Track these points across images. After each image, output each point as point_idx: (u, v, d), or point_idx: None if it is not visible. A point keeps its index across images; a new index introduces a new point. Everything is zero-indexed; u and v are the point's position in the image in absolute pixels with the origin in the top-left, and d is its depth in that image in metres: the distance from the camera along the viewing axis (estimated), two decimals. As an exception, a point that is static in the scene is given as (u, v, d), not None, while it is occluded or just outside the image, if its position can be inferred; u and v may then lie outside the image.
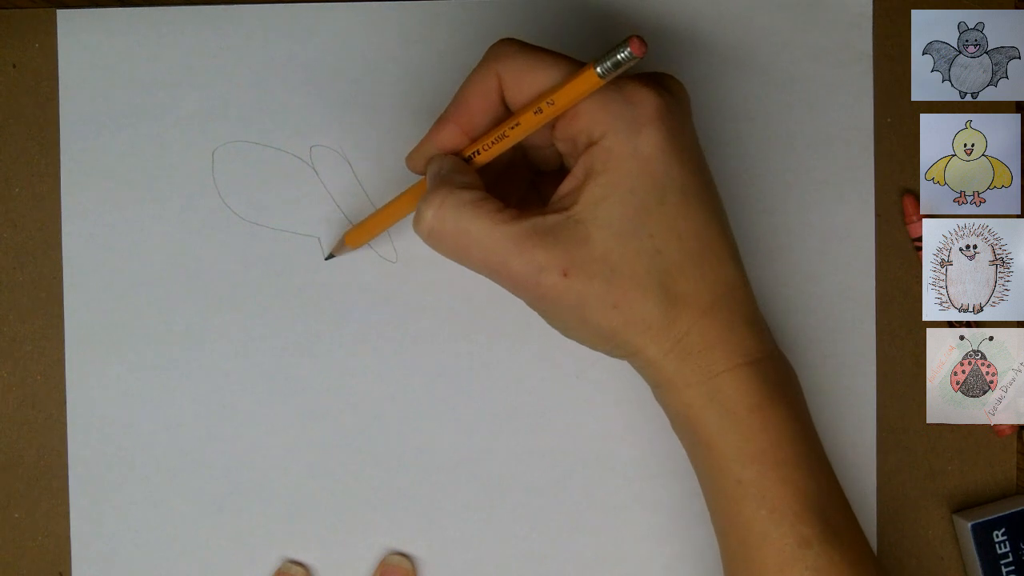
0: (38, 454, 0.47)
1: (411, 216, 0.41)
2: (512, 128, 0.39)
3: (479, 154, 0.40)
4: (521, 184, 0.43)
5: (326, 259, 0.46)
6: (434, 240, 0.38)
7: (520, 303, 0.47)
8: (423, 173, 0.41)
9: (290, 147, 0.47)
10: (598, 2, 0.47)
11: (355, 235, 0.45)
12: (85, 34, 0.46)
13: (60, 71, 0.47)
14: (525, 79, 0.38)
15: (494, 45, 0.39)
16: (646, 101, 0.37)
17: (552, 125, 0.39)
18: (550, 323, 0.40)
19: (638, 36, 0.35)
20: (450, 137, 0.40)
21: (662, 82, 0.39)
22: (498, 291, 0.46)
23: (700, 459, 0.39)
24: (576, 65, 0.38)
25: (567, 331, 0.40)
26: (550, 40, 0.46)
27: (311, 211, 0.47)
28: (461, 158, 0.40)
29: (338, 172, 0.47)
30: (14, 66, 0.47)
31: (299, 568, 0.46)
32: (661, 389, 0.39)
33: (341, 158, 0.47)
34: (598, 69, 0.36)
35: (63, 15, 0.46)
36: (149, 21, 0.46)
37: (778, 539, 0.38)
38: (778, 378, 0.39)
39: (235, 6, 0.47)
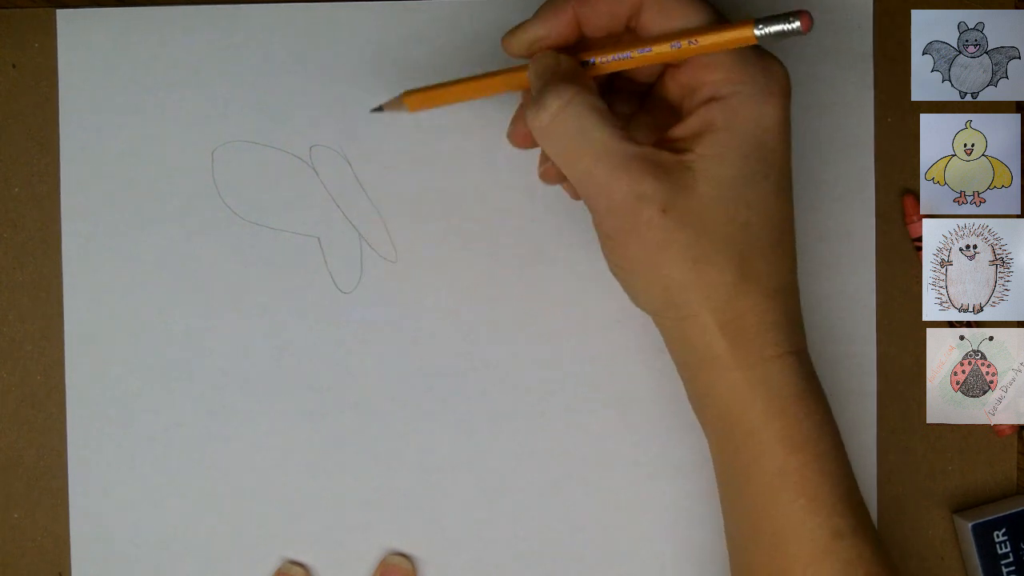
0: (38, 454, 0.47)
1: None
2: (641, 52, 0.37)
3: (592, 64, 0.38)
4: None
5: (372, 111, 0.45)
6: (548, 135, 0.37)
7: (518, 303, 0.47)
8: (519, 56, 0.40)
9: (290, 147, 0.47)
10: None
11: (419, 97, 0.42)
12: (85, 34, 0.46)
13: (60, 71, 0.47)
14: (669, 9, 0.37)
15: None
16: (780, 75, 0.37)
17: (676, 65, 0.38)
18: (613, 257, 0.39)
19: (808, 13, 0.35)
20: (563, 27, 0.38)
21: (782, 64, 0.38)
22: (499, 292, 0.47)
23: (735, 447, 0.39)
24: (718, 16, 0.37)
25: (629, 271, 0.38)
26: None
27: (311, 211, 0.47)
28: (577, 62, 0.38)
29: (338, 172, 0.47)
30: (14, 66, 0.47)
31: (299, 568, 0.46)
32: (704, 367, 0.38)
33: (341, 158, 0.47)
34: (758, 31, 0.35)
35: (63, 15, 0.46)
36: (149, 21, 0.46)
37: (813, 529, 0.37)
38: (812, 371, 0.39)
39: (235, 6, 0.47)
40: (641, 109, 0.42)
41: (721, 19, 0.37)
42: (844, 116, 0.47)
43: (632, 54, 0.38)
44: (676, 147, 0.37)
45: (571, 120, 0.37)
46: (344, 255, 0.47)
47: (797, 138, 0.47)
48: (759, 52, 0.38)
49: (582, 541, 0.46)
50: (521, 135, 0.42)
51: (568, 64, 0.38)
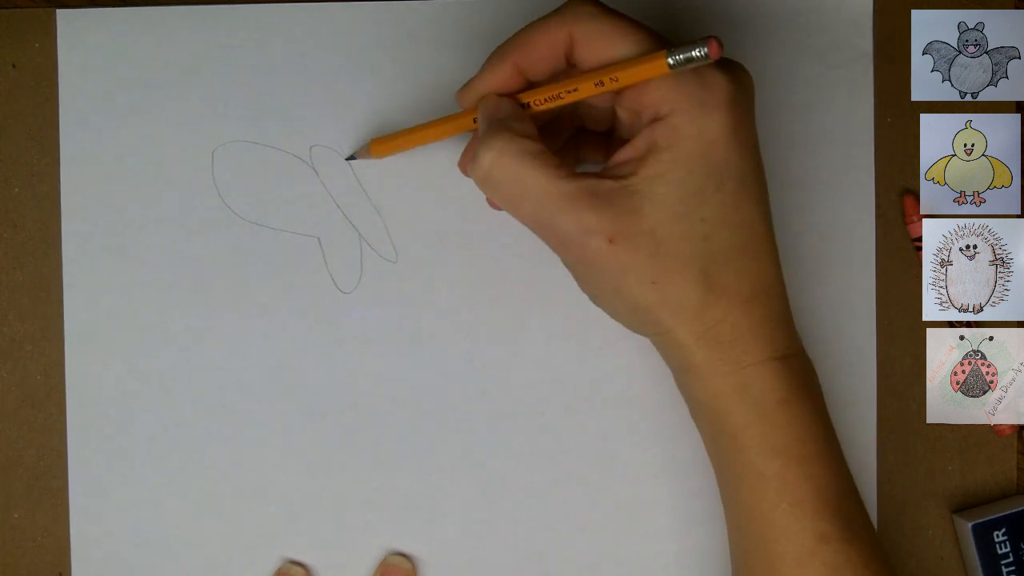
0: (38, 454, 0.47)
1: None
2: (569, 92, 0.39)
3: (528, 107, 0.40)
4: (562, 137, 0.43)
5: (346, 159, 0.46)
6: (488, 185, 0.38)
7: (518, 303, 0.47)
8: (471, 107, 0.41)
9: (290, 147, 0.47)
10: (598, 2, 0.47)
11: (383, 144, 0.44)
12: (85, 34, 0.46)
13: (60, 71, 0.47)
14: (597, 44, 0.38)
15: (573, 1, 0.39)
16: (718, 85, 0.37)
17: (617, 92, 0.39)
18: (583, 288, 0.40)
19: (717, 39, 0.35)
20: (506, 78, 0.40)
21: (733, 70, 0.38)
22: (499, 292, 0.47)
23: (722, 450, 0.39)
24: (651, 39, 0.37)
25: (599, 298, 0.40)
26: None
27: (311, 211, 0.47)
28: (517, 103, 0.40)
29: (338, 172, 0.47)
30: (14, 66, 0.47)
31: (299, 568, 0.46)
32: (687, 375, 0.39)
33: (341, 158, 0.47)
34: (670, 60, 0.36)
35: (63, 15, 0.46)
36: (149, 21, 0.46)
37: (797, 533, 0.38)
38: (803, 375, 0.39)
39: (235, 6, 0.47)
40: (591, 132, 0.43)
41: (656, 40, 0.38)
42: (844, 116, 0.47)
43: (562, 94, 0.39)
44: (621, 171, 0.38)
45: (506, 169, 0.37)
46: (344, 255, 0.47)
47: (797, 138, 0.47)
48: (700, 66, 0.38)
49: (582, 541, 0.46)
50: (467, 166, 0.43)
51: (506, 108, 0.39)
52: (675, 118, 0.37)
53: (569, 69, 0.40)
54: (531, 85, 0.40)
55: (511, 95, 0.40)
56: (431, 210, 0.47)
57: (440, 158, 0.47)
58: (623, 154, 0.38)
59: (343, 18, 0.47)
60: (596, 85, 0.38)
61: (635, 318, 0.39)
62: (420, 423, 0.47)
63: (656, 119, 0.38)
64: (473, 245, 0.47)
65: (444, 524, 0.46)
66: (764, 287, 0.39)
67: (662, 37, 0.38)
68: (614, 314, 0.40)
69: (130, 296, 0.46)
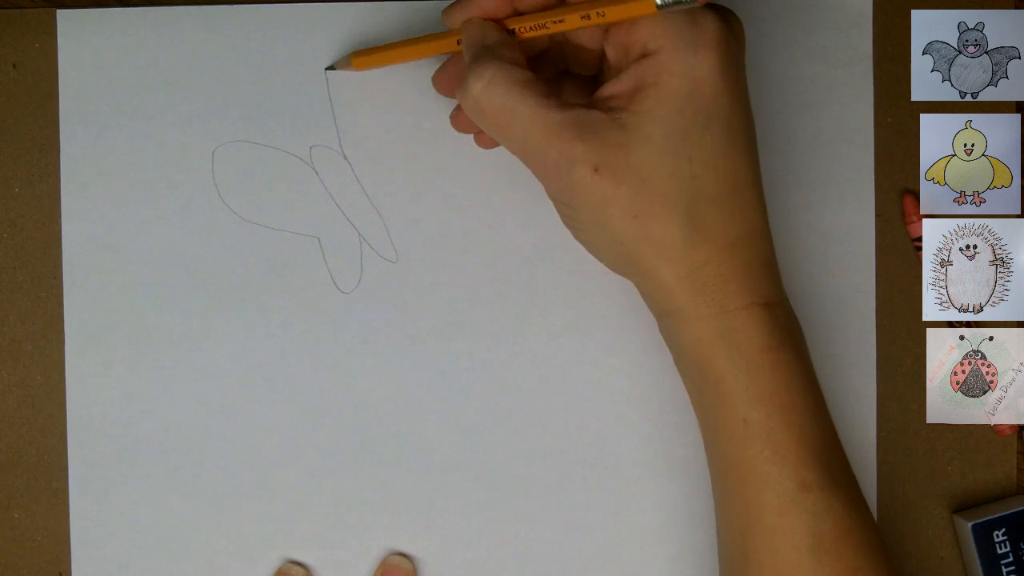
0: (38, 454, 0.47)
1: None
2: (555, 22, 0.39)
3: (514, 34, 0.40)
4: (545, 77, 0.43)
5: (326, 69, 0.46)
6: (477, 113, 0.38)
7: (518, 303, 0.47)
8: (456, 28, 0.41)
9: (290, 147, 0.47)
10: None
11: (364, 58, 0.44)
12: (85, 34, 0.46)
13: (60, 71, 0.47)
14: None
15: None
16: (709, 25, 0.37)
17: (606, 29, 0.39)
18: (566, 221, 0.40)
19: None
20: (496, 3, 0.40)
21: (724, 14, 0.38)
22: (499, 292, 0.47)
23: (705, 397, 0.39)
24: None
25: (581, 232, 0.39)
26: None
27: (311, 211, 0.47)
28: (503, 29, 0.40)
29: (338, 172, 0.47)
30: (14, 66, 0.47)
31: (299, 568, 0.46)
32: (670, 319, 0.39)
33: (341, 158, 0.47)
34: (658, 1, 0.36)
35: (63, 15, 0.46)
36: (149, 21, 0.46)
37: (779, 482, 0.38)
38: (788, 324, 0.39)
39: (235, 6, 0.47)
40: (576, 75, 0.43)
41: None
42: (844, 116, 0.47)
43: (548, 24, 0.39)
44: (610, 105, 0.38)
45: (496, 97, 0.38)
46: (344, 255, 0.47)
47: (797, 138, 0.47)
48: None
49: (582, 541, 0.46)
50: (441, 84, 0.43)
51: (493, 34, 0.39)
52: (663, 55, 0.37)
53: (559, 4, 0.40)
54: (518, 15, 0.40)
55: (498, 22, 0.40)
56: (431, 210, 0.47)
57: (440, 158, 0.47)
58: (610, 88, 0.38)
59: (343, 18, 0.47)
60: (582, 18, 0.38)
61: (616, 254, 0.39)
62: (420, 423, 0.47)
63: (644, 55, 0.38)
64: (473, 245, 0.47)
65: (444, 524, 0.46)
66: (749, 232, 0.38)
67: None
68: (595, 250, 0.40)
69: (130, 296, 0.46)
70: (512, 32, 0.40)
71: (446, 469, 0.47)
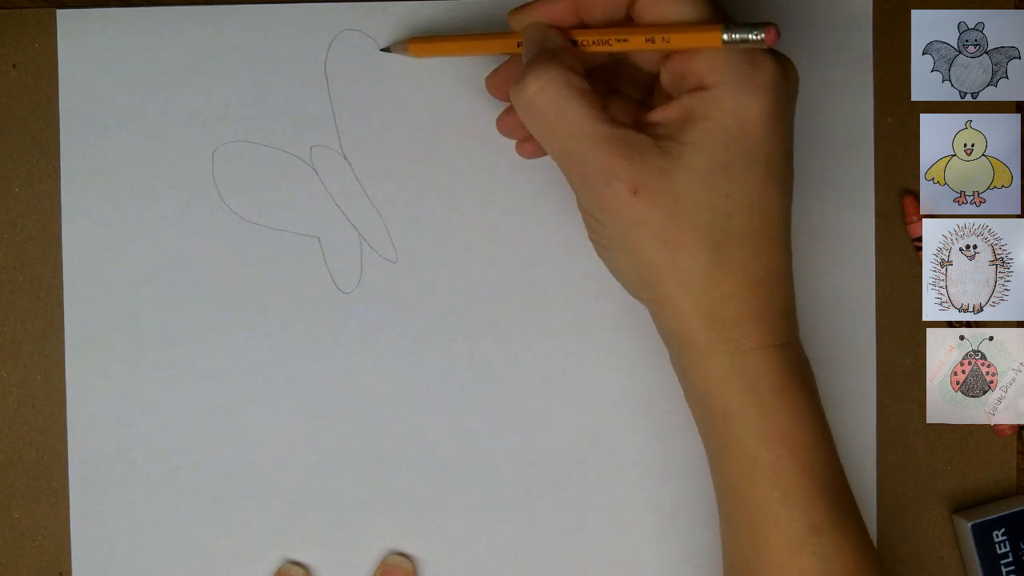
0: (38, 454, 0.47)
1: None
2: (619, 40, 0.39)
3: (577, 46, 0.40)
4: (597, 92, 0.43)
5: (381, 50, 0.46)
6: (528, 112, 0.38)
7: (518, 303, 0.47)
8: (519, 29, 0.41)
9: (290, 147, 0.47)
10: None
11: (422, 45, 0.44)
12: (85, 34, 0.46)
13: (60, 71, 0.46)
14: (660, 3, 0.38)
15: None
16: (766, 67, 0.38)
17: (665, 55, 0.39)
18: (593, 235, 0.40)
19: (775, 27, 0.36)
20: (562, 12, 0.40)
21: (782, 60, 0.39)
22: (499, 292, 0.47)
23: (715, 432, 0.39)
24: (712, 11, 0.38)
25: (608, 249, 0.39)
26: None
27: (311, 211, 0.47)
28: (568, 38, 0.40)
29: (338, 172, 0.47)
30: (14, 66, 0.47)
31: (299, 568, 0.46)
32: (684, 351, 0.39)
33: (341, 158, 0.47)
34: (725, 36, 0.36)
35: (63, 15, 0.46)
36: (149, 21, 0.46)
37: (789, 523, 0.38)
38: (800, 364, 0.39)
39: (235, 6, 0.47)
40: (645, 95, 0.43)
41: (714, 13, 0.38)
42: (844, 116, 0.47)
43: (611, 41, 0.39)
44: (657, 132, 0.38)
45: (549, 99, 0.38)
46: (344, 255, 0.47)
47: (798, 138, 0.46)
48: None
49: (582, 541, 0.46)
50: (496, 85, 0.44)
51: (556, 39, 0.40)
52: (718, 91, 0.37)
53: (625, 21, 0.40)
54: (583, 27, 0.40)
55: (562, 30, 0.40)
56: (431, 210, 0.47)
57: (440, 158, 0.47)
58: (660, 114, 0.38)
59: (343, 18, 0.47)
60: (647, 40, 0.38)
61: (639, 276, 0.39)
62: (420, 423, 0.47)
63: (699, 88, 0.38)
64: (473, 245, 0.47)
65: (444, 524, 0.46)
66: (774, 273, 0.39)
67: (723, 11, 0.38)
68: (618, 270, 0.40)
69: (130, 296, 0.46)
70: (575, 43, 0.40)
71: (446, 469, 0.47)
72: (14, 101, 0.47)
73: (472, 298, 0.47)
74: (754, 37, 0.36)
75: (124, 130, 0.47)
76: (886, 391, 0.47)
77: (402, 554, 0.46)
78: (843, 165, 0.47)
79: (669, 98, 0.39)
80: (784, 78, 0.38)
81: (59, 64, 0.46)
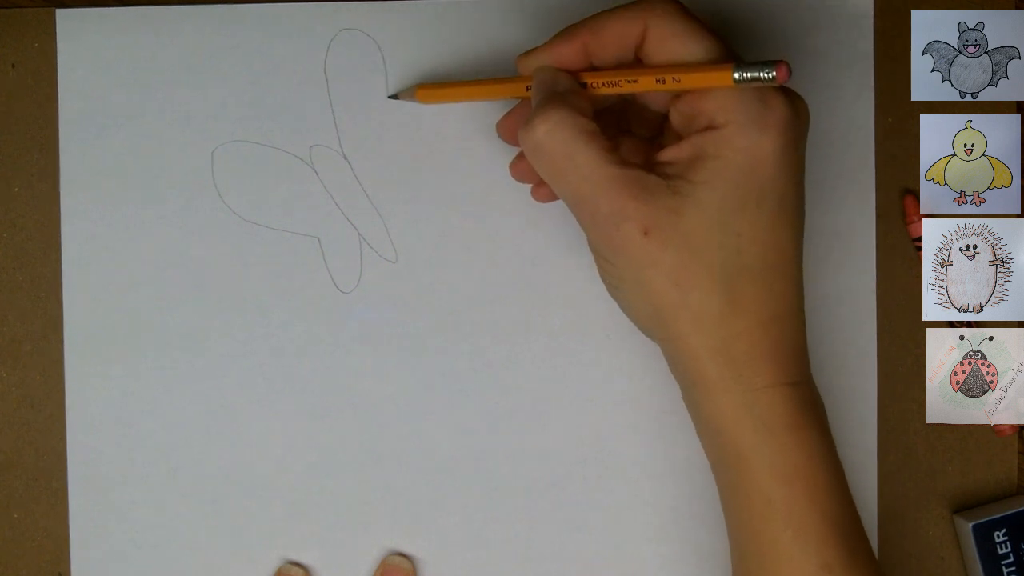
0: (38, 454, 0.47)
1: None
2: (629, 81, 0.39)
3: (587, 88, 0.40)
4: (608, 133, 0.43)
5: (389, 97, 0.46)
6: (536, 155, 0.38)
7: (518, 303, 0.47)
8: (529, 73, 0.41)
9: (290, 147, 0.47)
10: (600, 5, 0.47)
11: (430, 92, 0.45)
12: (85, 34, 0.46)
13: (60, 71, 0.46)
14: (669, 43, 0.38)
15: None
16: (777, 106, 0.37)
17: (676, 95, 0.39)
18: (604, 276, 0.40)
19: (787, 65, 0.36)
20: (571, 55, 0.40)
21: (792, 97, 0.39)
22: (499, 292, 0.47)
23: (727, 469, 0.39)
24: (721, 49, 0.38)
25: (619, 289, 0.39)
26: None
27: (311, 211, 0.47)
28: (576, 81, 0.40)
29: (338, 172, 0.47)
30: (14, 66, 0.47)
31: (299, 569, 0.46)
32: (696, 389, 0.39)
33: (341, 158, 0.47)
34: (736, 75, 0.36)
35: (63, 15, 0.46)
36: (149, 21, 0.46)
37: (801, 562, 0.37)
38: (813, 401, 0.39)
39: (235, 6, 0.47)
40: (655, 135, 0.43)
41: (726, 50, 0.38)
42: (844, 116, 0.47)
43: (621, 83, 0.39)
44: (667, 171, 0.38)
45: (558, 142, 0.38)
46: (344, 255, 0.47)
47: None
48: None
49: (582, 541, 0.46)
50: (507, 130, 0.44)
51: (565, 82, 0.39)
52: (729, 130, 0.37)
53: (634, 63, 0.40)
54: (592, 69, 0.40)
55: (571, 73, 0.40)
56: (431, 210, 0.47)
57: (441, 158, 0.47)
58: (670, 153, 0.38)
59: (343, 18, 0.47)
60: (657, 81, 0.38)
61: (650, 316, 0.39)
62: (420, 423, 0.47)
63: (710, 127, 0.38)
64: (473, 245, 0.47)
65: (444, 524, 0.46)
66: (785, 311, 0.38)
67: (731, 49, 0.38)
68: (629, 309, 0.40)
69: (130, 296, 0.46)
70: (584, 85, 0.40)
71: (446, 469, 0.47)
72: (14, 101, 0.47)
73: (472, 298, 0.47)
74: (765, 76, 0.36)
75: (124, 130, 0.47)
76: (886, 391, 0.47)
77: (402, 554, 0.46)
78: (843, 165, 0.47)
79: (679, 137, 0.39)
80: (795, 115, 0.38)
81: (59, 64, 0.46)
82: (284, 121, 0.47)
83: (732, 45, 0.39)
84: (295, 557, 0.46)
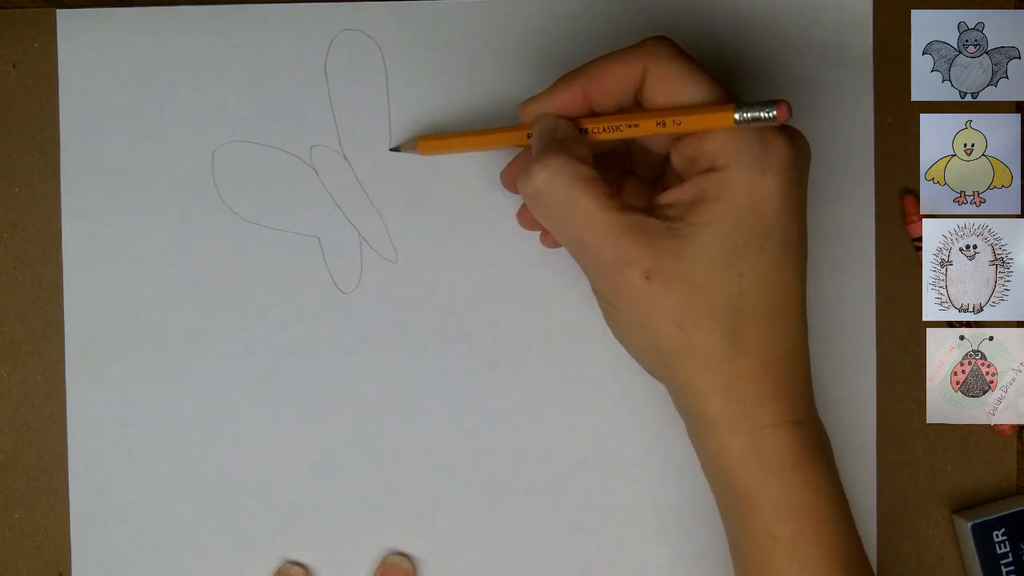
0: (38, 454, 0.47)
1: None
2: (630, 126, 0.39)
3: (587, 134, 0.40)
4: (610, 178, 0.43)
5: (390, 150, 0.46)
6: (536, 202, 0.38)
7: (518, 304, 0.47)
8: (529, 120, 0.41)
9: (290, 147, 0.47)
10: (601, 5, 0.47)
11: (431, 143, 0.45)
12: (85, 34, 0.46)
13: (60, 71, 0.46)
14: (668, 86, 0.38)
15: (651, 40, 0.39)
16: (779, 148, 0.37)
17: (677, 137, 0.39)
18: (608, 320, 0.40)
19: (788, 104, 0.36)
20: (571, 102, 0.40)
21: (793, 136, 0.39)
22: (499, 292, 0.47)
23: (732, 506, 0.39)
24: (720, 90, 0.38)
25: (623, 332, 0.40)
26: (550, 43, 0.46)
27: (311, 211, 0.47)
28: (576, 127, 0.40)
29: (338, 172, 0.47)
30: (14, 66, 0.47)
31: (299, 568, 0.46)
32: (701, 427, 0.39)
33: (341, 158, 0.47)
34: (736, 116, 0.36)
35: (63, 15, 0.46)
36: (149, 21, 0.46)
37: None
38: (819, 438, 0.39)
39: (235, 6, 0.47)
40: (658, 175, 0.43)
41: (723, 93, 0.38)
42: (844, 116, 0.47)
43: (622, 127, 0.39)
44: (668, 213, 0.38)
45: (558, 189, 0.38)
46: (344, 255, 0.47)
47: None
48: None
49: (582, 541, 0.46)
50: (510, 179, 0.44)
51: (565, 129, 0.40)
52: (731, 171, 0.37)
53: (634, 106, 0.40)
54: (593, 115, 0.40)
55: (572, 119, 0.40)
56: (431, 210, 0.47)
57: (440, 158, 0.47)
58: (671, 195, 0.38)
59: (343, 18, 0.47)
60: (658, 124, 0.38)
61: (655, 358, 0.39)
62: (420, 423, 0.47)
63: (711, 169, 0.38)
64: (473, 245, 0.47)
65: (444, 524, 0.46)
66: (789, 350, 0.38)
67: (730, 90, 0.38)
68: (634, 350, 0.40)
69: (130, 296, 0.46)
70: (585, 131, 0.40)
71: (446, 469, 0.47)
72: (14, 101, 0.47)
73: (472, 298, 0.47)
74: (766, 115, 0.36)
75: (124, 130, 0.47)
76: (886, 391, 0.47)
77: (402, 554, 0.46)
78: (843, 165, 0.47)
79: (681, 178, 0.39)
80: (796, 154, 0.38)
81: (59, 64, 0.46)
82: (284, 121, 0.47)
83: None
84: (295, 557, 0.47)
